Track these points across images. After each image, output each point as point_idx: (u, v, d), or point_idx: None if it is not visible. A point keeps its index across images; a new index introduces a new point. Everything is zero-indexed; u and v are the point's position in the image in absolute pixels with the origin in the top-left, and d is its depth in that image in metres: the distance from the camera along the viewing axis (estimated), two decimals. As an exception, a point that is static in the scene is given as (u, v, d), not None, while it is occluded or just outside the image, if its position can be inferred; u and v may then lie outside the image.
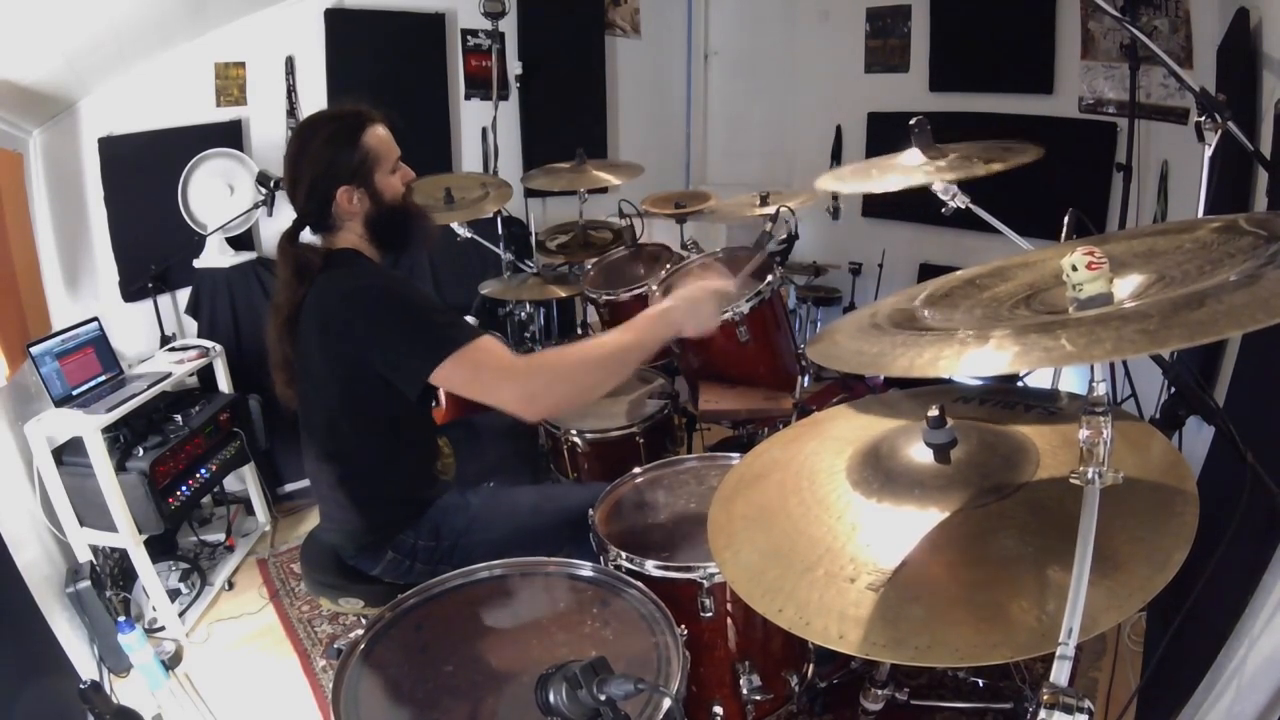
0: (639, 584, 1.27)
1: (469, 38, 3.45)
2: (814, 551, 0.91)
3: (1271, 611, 1.00)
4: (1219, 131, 1.38)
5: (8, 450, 2.05)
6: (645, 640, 1.15)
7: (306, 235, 1.52)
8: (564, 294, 2.68)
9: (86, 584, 1.99)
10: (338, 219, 1.47)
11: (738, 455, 1.66)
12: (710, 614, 1.36)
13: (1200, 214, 1.51)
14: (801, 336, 3.44)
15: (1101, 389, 0.79)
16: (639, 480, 1.69)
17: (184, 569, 2.37)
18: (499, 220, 2.77)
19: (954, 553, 0.86)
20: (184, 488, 2.22)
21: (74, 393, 2.13)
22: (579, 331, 3.21)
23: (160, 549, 2.34)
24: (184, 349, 2.52)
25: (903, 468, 1.00)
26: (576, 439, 2.07)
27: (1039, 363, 0.68)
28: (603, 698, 0.81)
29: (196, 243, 2.68)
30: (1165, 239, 0.90)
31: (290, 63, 2.97)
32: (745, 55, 4.29)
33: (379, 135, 1.47)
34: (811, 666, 1.53)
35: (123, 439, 2.11)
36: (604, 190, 3.32)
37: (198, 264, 2.71)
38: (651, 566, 1.35)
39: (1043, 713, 0.67)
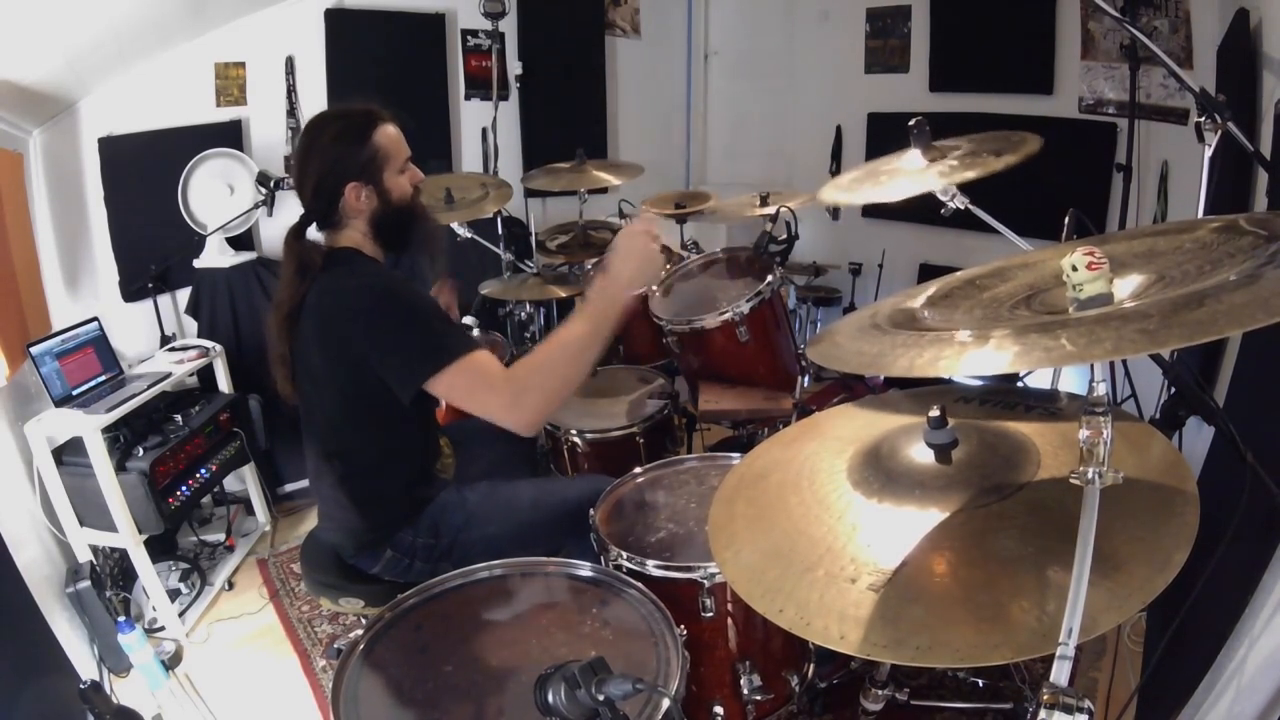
0: (639, 584, 1.27)
1: (469, 38, 3.45)
2: (814, 552, 0.91)
3: (1271, 611, 1.00)
4: (1219, 132, 1.38)
5: (8, 450, 2.05)
6: (645, 640, 1.15)
7: (312, 232, 1.52)
8: (564, 294, 2.68)
9: (86, 584, 1.99)
10: (344, 215, 1.47)
11: (738, 455, 1.66)
12: (711, 614, 1.36)
13: (1200, 214, 1.51)
14: (801, 336, 3.44)
15: (1101, 389, 0.79)
16: (639, 480, 1.69)
17: (184, 569, 2.37)
18: (499, 220, 2.77)
19: (954, 553, 0.86)
20: (184, 488, 2.22)
21: (74, 393, 2.13)
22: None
23: (160, 549, 2.34)
24: (184, 349, 2.52)
25: (903, 468, 1.00)
26: (576, 439, 2.07)
27: (1039, 363, 0.68)
28: (601, 698, 0.81)
29: (196, 243, 2.68)
30: (1165, 239, 0.90)
31: (290, 63, 2.97)
32: (745, 55, 4.29)
33: (389, 134, 1.48)
34: (812, 666, 1.53)
35: (123, 439, 2.11)
36: (604, 190, 3.32)
37: (198, 264, 2.71)
38: (652, 566, 1.35)
39: (1043, 713, 0.67)
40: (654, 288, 2.17)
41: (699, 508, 1.56)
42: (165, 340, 2.61)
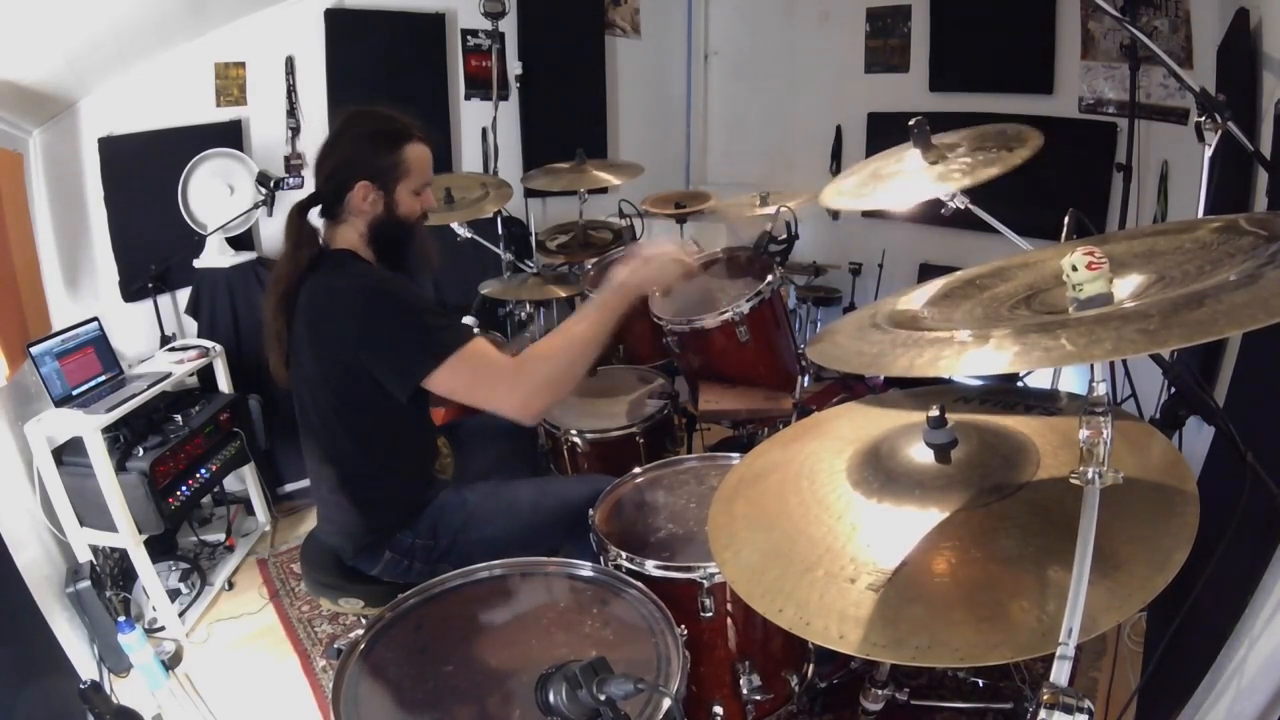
0: (639, 584, 1.27)
1: (469, 38, 3.45)
2: (814, 551, 0.91)
3: (1271, 611, 1.00)
4: (1219, 131, 1.38)
5: (8, 450, 2.05)
6: (645, 640, 1.15)
7: (315, 217, 1.52)
8: (564, 294, 2.68)
9: (86, 584, 1.99)
10: (347, 211, 1.48)
11: (738, 455, 1.66)
12: (710, 614, 1.36)
13: (1200, 214, 1.51)
14: (801, 336, 3.44)
15: (1101, 389, 0.79)
16: (639, 480, 1.69)
17: (184, 569, 2.37)
18: (499, 220, 2.77)
19: (954, 553, 0.85)
20: (184, 488, 2.22)
21: (74, 393, 2.13)
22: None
23: (160, 549, 2.34)
24: (184, 349, 2.52)
25: (903, 468, 1.00)
26: (576, 439, 2.07)
27: (1039, 363, 0.68)
28: (602, 698, 0.81)
29: (196, 243, 2.68)
30: (1165, 239, 0.90)
31: (290, 63, 2.97)
32: (745, 55, 4.29)
33: (419, 152, 1.49)
34: (811, 666, 1.53)
35: (123, 439, 2.11)
36: (604, 190, 3.32)
37: (198, 264, 2.71)
38: (652, 566, 1.35)
39: (1043, 713, 0.67)
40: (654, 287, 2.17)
41: (699, 508, 1.56)
42: (165, 340, 2.61)
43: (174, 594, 2.29)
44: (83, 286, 2.55)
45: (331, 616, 2.27)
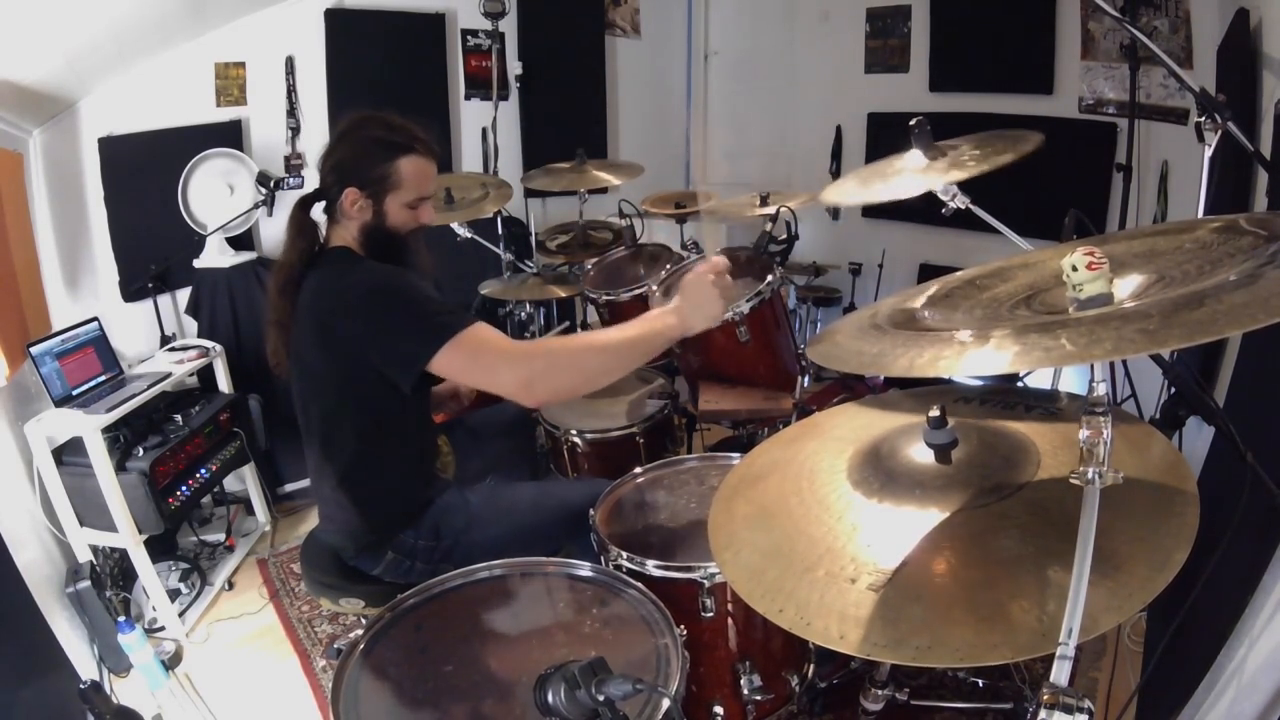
0: (639, 584, 1.27)
1: (469, 38, 3.45)
2: (814, 552, 0.91)
3: (1271, 611, 1.00)
4: (1219, 131, 1.38)
5: (8, 450, 2.05)
6: (645, 640, 1.15)
7: (317, 212, 1.53)
8: (564, 294, 2.68)
9: (86, 584, 1.99)
10: (339, 212, 1.48)
11: (738, 455, 1.66)
12: (711, 614, 1.36)
13: (1200, 214, 1.51)
14: (801, 336, 3.44)
15: (1101, 389, 0.79)
16: (639, 480, 1.69)
17: (184, 569, 2.37)
18: (499, 220, 2.77)
19: (954, 553, 0.85)
20: (184, 488, 2.22)
21: (74, 393, 2.13)
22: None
23: (160, 549, 2.34)
24: (184, 349, 2.52)
25: (903, 468, 1.00)
26: (576, 439, 2.07)
27: (1039, 363, 0.68)
28: (601, 698, 0.81)
29: (196, 243, 2.68)
30: (1165, 239, 0.90)
31: (290, 63, 2.97)
32: (745, 55, 4.29)
33: (417, 166, 1.47)
34: (812, 666, 1.53)
35: (123, 439, 2.11)
36: (604, 190, 3.32)
37: (198, 264, 2.71)
38: (652, 566, 1.35)
39: (1043, 713, 0.67)
40: (654, 287, 2.17)
41: (699, 508, 1.56)
42: (165, 340, 2.61)
43: (174, 594, 2.29)
44: (83, 286, 2.55)
45: (331, 616, 2.27)
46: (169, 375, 2.32)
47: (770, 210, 2.33)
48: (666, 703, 0.97)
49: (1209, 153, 1.43)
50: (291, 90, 2.99)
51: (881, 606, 0.81)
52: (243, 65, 2.87)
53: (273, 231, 2.91)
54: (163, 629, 2.19)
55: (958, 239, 3.20)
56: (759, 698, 1.41)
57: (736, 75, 4.34)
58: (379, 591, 1.54)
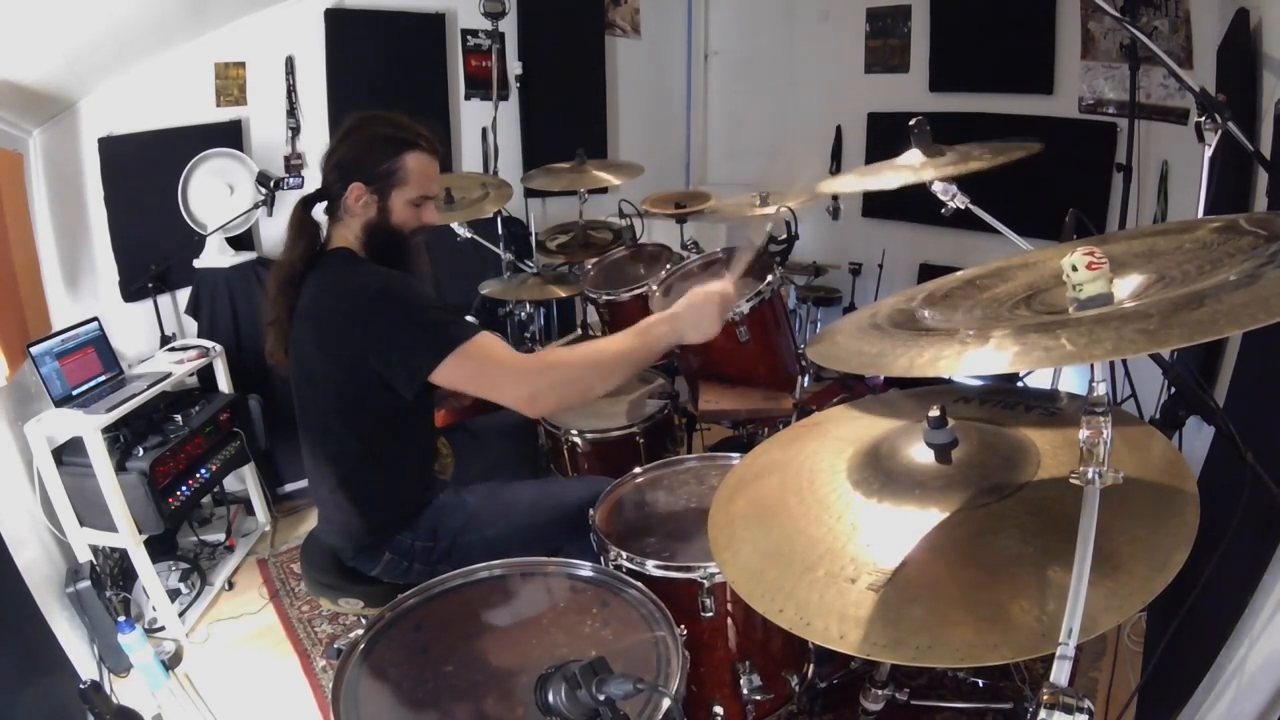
0: (639, 584, 1.27)
1: (469, 38, 3.45)
2: (814, 552, 0.91)
3: (1271, 611, 1.00)
4: (1219, 131, 1.38)
5: (8, 450, 2.05)
6: (645, 640, 1.15)
7: (319, 211, 1.53)
8: (564, 294, 2.68)
9: (86, 584, 1.99)
10: (343, 210, 1.48)
11: (738, 455, 1.66)
12: (710, 614, 1.36)
13: (1200, 214, 1.51)
14: (801, 336, 3.43)
15: (1101, 389, 0.79)
16: (639, 480, 1.69)
17: (184, 569, 2.37)
18: (499, 220, 2.77)
19: (954, 553, 0.85)
20: (184, 488, 2.22)
21: (74, 393, 2.13)
22: (579, 331, 3.21)
23: (160, 549, 2.34)
24: (184, 349, 2.52)
25: (903, 468, 1.00)
26: (576, 439, 2.07)
27: (1039, 363, 0.68)
28: (602, 698, 0.81)
29: (196, 243, 2.68)
30: (1165, 239, 0.90)
31: (290, 63, 2.97)
32: (745, 55, 4.29)
33: (422, 162, 1.48)
34: (812, 666, 1.53)
35: (123, 439, 2.11)
36: (604, 190, 3.32)
37: (198, 264, 2.71)
38: (652, 566, 1.35)
39: (1043, 713, 0.66)
40: (654, 287, 2.17)
41: (699, 508, 1.56)
42: (165, 340, 2.61)
43: (174, 594, 2.29)
44: (83, 286, 2.55)
45: (331, 616, 2.27)
46: (169, 375, 2.32)
47: (770, 210, 2.33)
48: (667, 702, 0.97)
49: (1209, 153, 1.43)
50: (291, 90, 2.99)
51: (881, 606, 0.81)
52: (243, 65, 2.87)
53: (273, 231, 2.91)
54: (163, 629, 2.19)
55: (958, 239, 3.20)
56: (759, 698, 1.41)
57: (736, 75, 4.35)
58: (378, 592, 1.54)
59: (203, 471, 2.31)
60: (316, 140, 3.04)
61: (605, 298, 2.33)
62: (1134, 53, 2.42)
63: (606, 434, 2.07)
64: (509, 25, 3.43)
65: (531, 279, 2.76)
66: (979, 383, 1.35)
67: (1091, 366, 0.78)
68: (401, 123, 1.48)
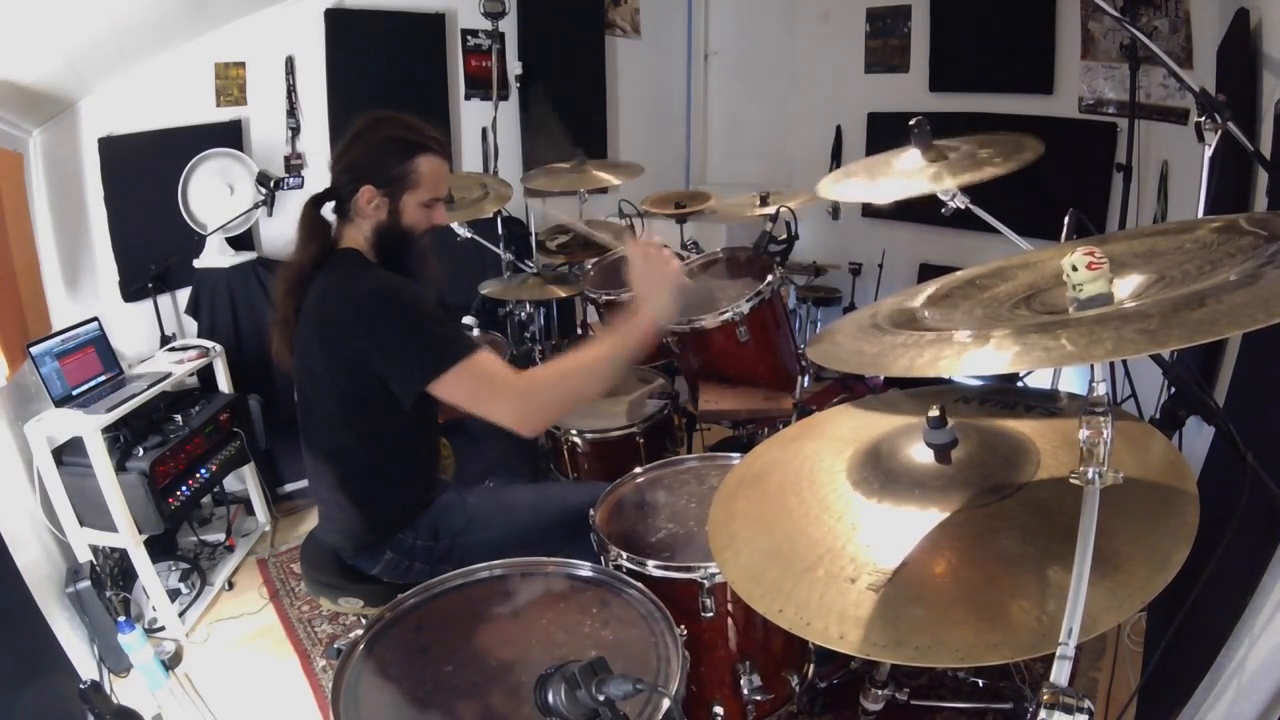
0: (639, 584, 1.27)
1: (469, 38, 3.45)
2: (814, 552, 0.91)
3: (1271, 611, 1.00)
4: (1219, 131, 1.38)
5: (8, 450, 2.05)
6: (645, 640, 1.15)
7: (328, 211, 1.53)
8: (564, 294, 2.68)
9: (86, 584, 1.99)
10: (353, 211, 1.48)
11: (738, 455, 1.66)
12: (711, 614, 1.36)
13: (1200, 214, 1.51)
14: (801, 336, 3.44)
15: (1101, 389, 0.79)
16: (639, 480, 1.69)
17: (184, 569, 2.37)
18: (499, 220, 2.77)
19: (954, 553, 0.85)
20: (184, 488, 2.22)
21: (74, 393, 2.13)
22: (579, 332, 3.22)
23: (160, 549, 2.34)
24: (184, 349, 2.52)
25: (903, 468, 1.00)
26: (576, 439, 2.07)
27: (1039, 363, 0.68)
28: (601, 698, 0.81)
29: (196, 243, 2.68)
30: (1165, 239, 0.90)
31: (290, 63, 2.97)
32: (745, 55, 4.29)
33: (433, 165, 1.48)
34: (812, 666, 1.53)
35: (123, 439, 2.11)
36: (604, 190, 3.32)
37: (198, 264, 2.71)
38: (652, 566, 1.35)
39: (1043, 713, 0.66)
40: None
41: (699, 508, 1.56)
42: (165, 340, 2.61)
43: (174, 594, 2.29)
44: (83, 286, 2.55)
45: (331, 616, 2.27)
46: (169, 375, 2.32)
47: (770, 210, 2.33)
48: (667, 703, 0.97)
49: (1209, 153, 1.43)
50: (291, 90, 2.99)
51: (881, 606, 0.81)
52: (243, 65, 2.87)
53: (273, 231, 2.91)
54: (163, 629, 2.19)
55: (958, 239, 3.20)
56: (759, 698, 1.41)
57: (736, 75, 4.34)
58: (378, 591, 1.53)
59: (203, 471, 2.31)
60: (316, 140, 3.04)
61: (605, 298, 2.33)
62: (1134, 53, 2.42)
63: (606, 434, 2.07)
64: (509, 25, 3.43)
65: (531, 279, 2.76)
66: (979, 383, 1.35)
67: (1091, 366, 0.78)
68: (413, 125, 1.48)
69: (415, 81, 3.34)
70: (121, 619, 1.91)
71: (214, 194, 2.68)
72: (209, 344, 2.55)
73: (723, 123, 4.45)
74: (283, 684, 2.05)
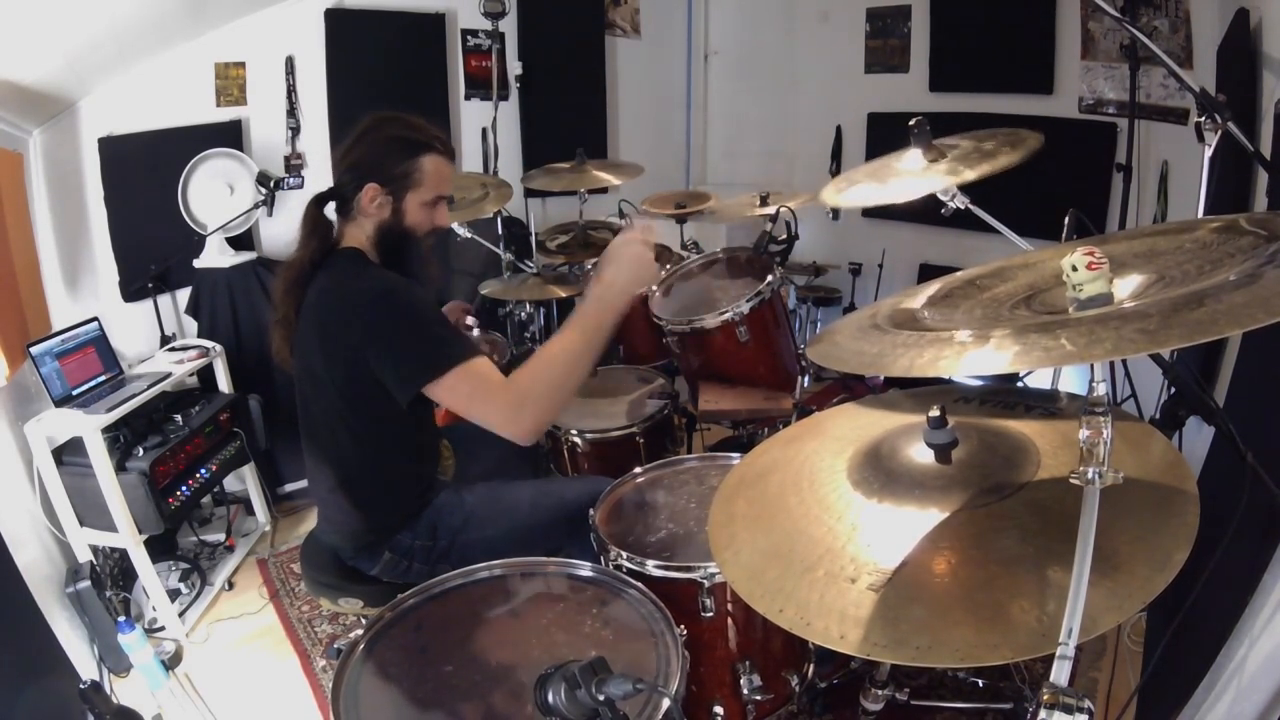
0: (639, 584, 1.27)
1: (469, 38, 3.45)
2: (814, 552, 0.91)
3: (1271, 611, 1.00)
4: (1219, 132, 1.38)
5: (8, 450, 2.05)
6: (645, 640, 1.15)
7: (330, 211, 1.53)
8: (564, 294, 2.68)
9: (86, 584, 1.99)
10: (356, 210, 1.48)
11: (738, 455, 1.66)
12: (711, 614, 1.36)
13: (1200, 214, 1.51)
14: (801, 336, 3.44)
15: (1101, 389, 0.79)
16: (639, 480, 1.69)
17: (184, 569, 2.37)
18: (499, 220, 2.77)
19: (954, 553, 0.85)
20: (184, 488, 2.22)
21: (74, 393, 2.13)
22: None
23: (160, 549, 2.34)
24: (184, 349, 2.52)
25: (903, 468, 1.00)
26: (577, 439, 2.07)
27: (1039, 363, 0.68)
28: (601, 698, 0.81)
29: (196, 243, 2.68)
30: (1165, 239, 0.90)
31: (290, 63, 2.97)
32: (745, 55, 4.29)
33: (438, 164, 1.48)
34: (812, 666, 1.53)
35: (123, 439, 2.11)
36: (604, 190, 3.32)
37: (198, 264, 2.71)
38: (652, 566, 1.35)
39: (1043, 713, 0.67)
40: (654, 288, 2.17)
41: (699, 508, 1.56)
42: (165, 340, 2.61)
43: (174, 594, 2.28)
44: (83, 286, 2.55)
45: (331, 616, 2.27)
46: (169, 375, 2.32)
47: (770, 210, 2.33)
48: (666, 702, 0.97)
49: (1209, 153, 1.43)
50: (291, 90, 2.99)
51: (881, 606, 0.81)
52: (243, 65, 2.87)
53: (273, 232, 2.91)
54: (163, 629, 2.19)
55: (958, 239, 3.21)
56: (759, 698, 1.41)
57: (736, 75, 4.34)
58: (378, 591, 1.54)
59: (203, 471, 2.31)
60: (316, 140, 3.04)
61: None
62: (1134, 53, 2.42)
63: (606, 434, 2.07)
64: (509, 25, 3.42)
65: (531, 279, 2.76)
66: (979, 383, 1.35)
67: (1091, 366, 0.78)
68: (417, 124, 1.48)
69: (415, 81, 3.33)
70: (121, 619, 1.91)
71: (214, 194, 2.68)
72: (209, 344, 2.55)
73: (723, 123, 4.45)
74: (283, 684, 2.05)
